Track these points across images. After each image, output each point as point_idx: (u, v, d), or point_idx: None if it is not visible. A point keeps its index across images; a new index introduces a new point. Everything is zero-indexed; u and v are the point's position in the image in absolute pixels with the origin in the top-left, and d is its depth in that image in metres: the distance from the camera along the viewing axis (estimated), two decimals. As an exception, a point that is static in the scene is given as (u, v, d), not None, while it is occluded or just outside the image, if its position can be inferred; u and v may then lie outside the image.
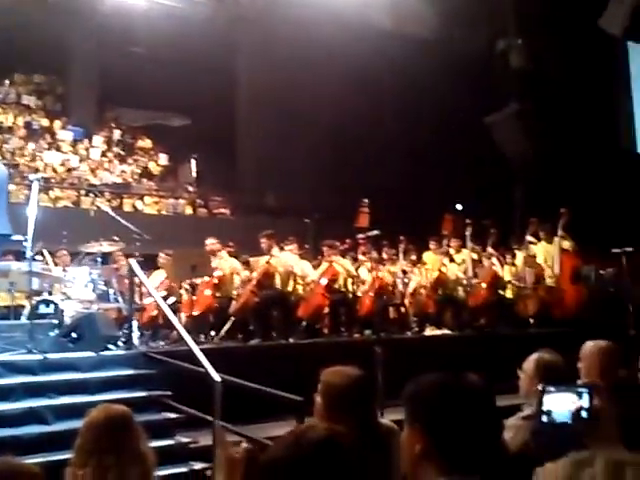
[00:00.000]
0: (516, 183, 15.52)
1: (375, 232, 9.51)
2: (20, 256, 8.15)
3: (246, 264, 10.45)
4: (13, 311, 8.25)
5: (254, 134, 17.37)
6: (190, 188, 17.53)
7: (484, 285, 11.38)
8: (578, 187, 15.91)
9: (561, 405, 1.64)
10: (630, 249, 9.57)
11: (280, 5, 14.92)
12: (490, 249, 12.07)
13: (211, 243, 10.12)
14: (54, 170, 15.70)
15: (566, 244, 11.85)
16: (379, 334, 8.50)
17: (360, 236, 9.66)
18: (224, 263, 10.05)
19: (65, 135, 17.19)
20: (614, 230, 14.80)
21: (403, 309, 11.46)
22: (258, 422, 6.62)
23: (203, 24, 15.04)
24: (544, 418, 1.66)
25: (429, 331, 11.28)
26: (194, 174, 17.50)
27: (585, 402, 1.62)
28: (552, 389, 1.69)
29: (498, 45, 10.88)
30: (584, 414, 1.62)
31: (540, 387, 1.68)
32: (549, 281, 11.80)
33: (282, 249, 10.16)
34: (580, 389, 1.65)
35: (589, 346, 4.22)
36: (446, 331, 11.08)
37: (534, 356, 3.74)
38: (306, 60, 15.12)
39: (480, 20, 13.84)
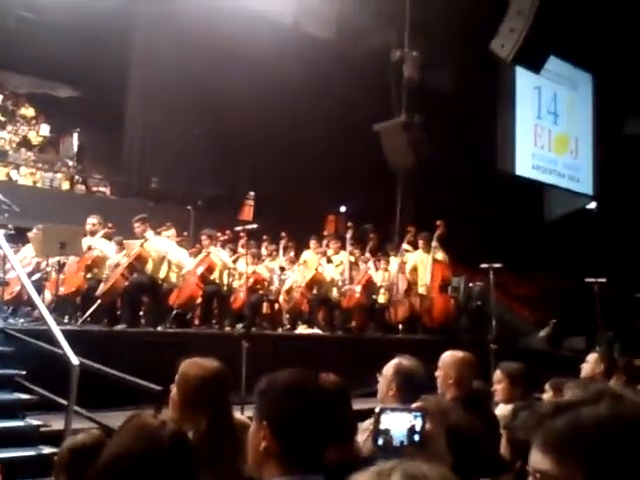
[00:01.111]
0: (398, 192, 15.87)
1: (253, 226, 9.45)
2: None
3: (119, 245, 10.15)
4: None
5: (143, 115, 16.96)
6: (70, 162, 16.92)
7: (358, 288, 11.53)
8: (455, 201, 16.46)
9: (398, 424, 1.66)
10: (498, 265, 9.95)
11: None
12: (368, 254, 12.31)
13: (92, 223, 9.79)
14: None
15: (439, 255, 12.21)
16: (249, 329, 8.47)
17: (238, 229, 9.58)
18: (99, 244, 9.74)
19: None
20: (484, 246, 15.42)
21: (277, 305, 11.52)
22: (115, 409, 6.45)
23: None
24: (380, 440, 1.67)
25: (301, 329, 11.34)
26: (75, 149, 16.90)
27: (418, 424, 1.65)
28: (390, 409, 1.71)
29: (394, 55, 11.07)
30: (416, 437, 1.64)
31: (377, 409, 1.69)
32: (420, 289, 12.11)
33: (159, 234, 9.93)
34: (414, 412, 1.67)
35: (447, 356, 4.35)
36: (317, 331, 11.14)
37: (394, 361, 3.81)
38: (202, 45, 14.90)
39: (379, 28, 14.07)
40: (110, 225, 10.29)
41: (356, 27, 15.15)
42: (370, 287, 11.67)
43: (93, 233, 9.74)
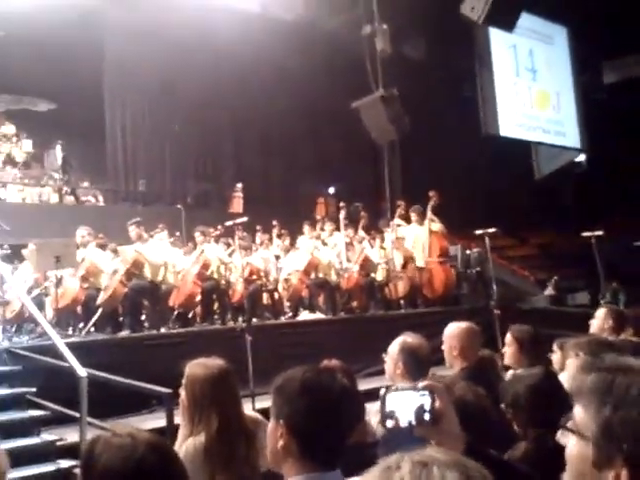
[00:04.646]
0: (384, 167, 15.86)
1: (243, 219, 9.44)
2: None
3: (114, 252, 10.15)
4: None
5: (122, 119, 16.90)
6: (56, 175, 16.85)
7: (356, 268, 11.50)
8: (444, 170, 16.45)
9: (404, 405, 1.64)
10: (493, 230, 9.96)
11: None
12: (361, 232, 12.28)
13: (82, 235, 9.79)
14: None
15: (435, 226, 12.20)
16: (250, 321, 8.49)
17: (228, 223, 9.57)
18: (92, 254, 9.74)
19: None
20: (477, 211, 15.44)
21: (277, 294, 11.49)
22: (127, 416, 6.48)
23: (68, 5, 14.41)
24: (388, 423, 1.65)
25: (303, 315, 11.33)
26: (60, 161, 16.84)
27: (426, 403, 1.63)
28: (394, 389, 1.68)
29: (364, 30, 11.00)
30: (427, 416, 1.63)
31: (382, 390, 1.68)
32: (419, 262, 12.10)
33: (152, 237, 9.93)
34: (421, 390, 1.65)
35: (451, 328, 4.36)
36: (319, 315, 11.14)
37: (398, 340, 3.83)
38: (174, 42, 14.82)
39: (346, 4, 13.98)
40: (100, 235, 10.29)
41: (323, 6, 15.06)
42: (367, 266, 11.63)
43: (85, 244, 9.73)
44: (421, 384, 1.66)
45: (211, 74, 15.61)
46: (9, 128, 17.71)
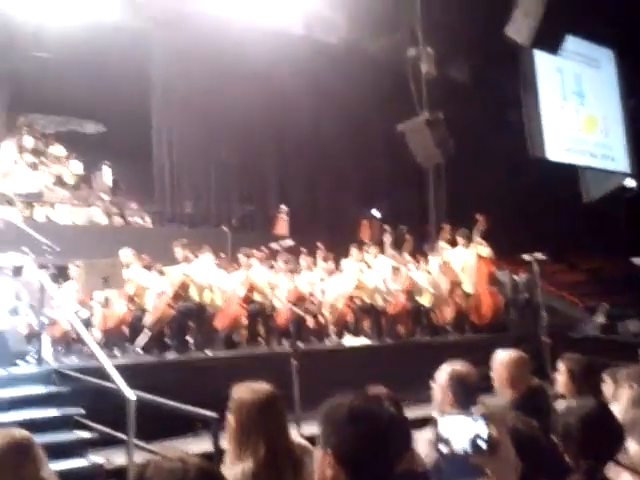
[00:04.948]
0: (429, 190, 15.76)
1: (289, 242, 9.46)
2: None
3: (161, 273, 10.25)
4: None
5: (169, 141, 17.12)
6: (105, 196, 17.14)
7: (402, 293, 11.41)
8: (490, 194, 16.28)
9: (459, 431, 1.61)
10: (540, 255, 9.81)
11: (193, 9, 14.73)
12: (406, 256, 12.17)
13: (125, 255, 9.92)
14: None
15: (483, 250, 12.03)
16: (295, 345, 8.46)
17: (273, 245, 9.59)
18: (138, 275, 9.85)
19: (-29, 143, 16.61)
20: (524, 236, 15.23)
21: (322, 318, 11.43)
22: (172, 439, 6.49)
23: (115, 28, 14.72)
24: (443, 448, 1.62)
25: (348, 340, 11.23)
26: (109, 182, 17.15)
27: (482, 430, 1.60)
28: (447, 414, 1.66)
29: (409, 53, 11.02)
30: (483, 445, 1.59)
31: (435, 415, 1.66)
32: (466, 287, 11.94)
33: (197, 258, 10.01)
34: (475, 416, 1.62)
35: (500, 356, 4.30)
36: (365, 340, 11.05)
37: (446, 367, 3.79)
38: (220, 66, 15.01)
39: (390, 27, 14.02)
40: (144, 256, 10.39)
41: (366, 28, 15.10)
42: (413, 290, 11.54)
43: (128, 265, 9.85)
44: (476, 411, 1.64)
45: (255, 96, 15.73)
46: (59, 149, 18.11)
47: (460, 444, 1.59)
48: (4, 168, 16.30)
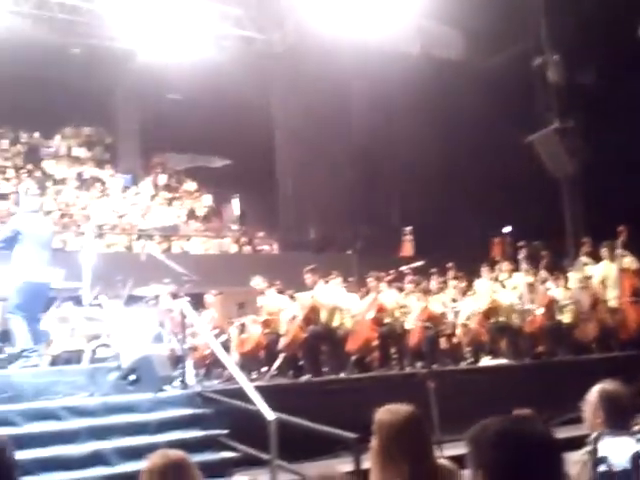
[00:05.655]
0: (563, 203, 15.25)
1: (419, 263, 9.45)
2: (78, 302, 8.42)
3: (292, 298, 10.52)
4: (74, 356, 8.49)
5: (292, 170, 17.54)
6: (234, 226, 17.77)
7: (540, 310, 11.03)
8: (630, 204, 15.54)
9: (618, 450, 1.62)
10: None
11: (308, 39, 15.06)
12: (543, 272, 11.72)
13: (256, 283, 10.26)
14: (106, 217, 16.14)
15: (628, 262, 11.48)
16: (430, 367, 8.39)
17: (404, 268, 9.60)
18: (272, 301, 10.17)
19: (114, 183, 17.71)
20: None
21: (455, 339, 11.23)
22: (314, 459, 6.60)
23: (235, 66, 15.31)
24: (601, 467, 1.64)
25: (485, 361, 10.96)
26: (237, 213, 17.77)
27: None
28: (607, 433, 1.67)
29: (534, 62, 10.77)
30: None
31: (594, 434, 1.67)
32: (610, 302, 11.44)
33: (327, 283, 10.20)
34: (637, 434, 1.63)
35: (651, 375, 4.17)
36: (502, 360, 10.77)
37: (596, 387, 3.74)
38: (337, 92, 15.25)
39: (511, 38, 13.78)
40: (277, 282, 10.67)
41: (487, 41, 14.93)
42: (553, 308, 11.13)
43: (262, 292, 10.19)
44: (636, 430, 1.64)
45: (375, 118, 15.86)
46: (190, 185, 19.01)
47: (620, 463, 1.61)
48: (143, 206, 17.25)
